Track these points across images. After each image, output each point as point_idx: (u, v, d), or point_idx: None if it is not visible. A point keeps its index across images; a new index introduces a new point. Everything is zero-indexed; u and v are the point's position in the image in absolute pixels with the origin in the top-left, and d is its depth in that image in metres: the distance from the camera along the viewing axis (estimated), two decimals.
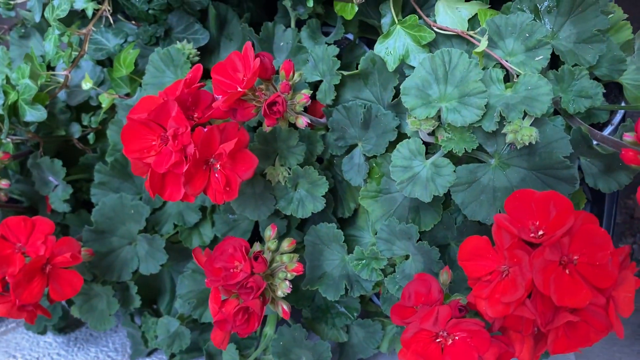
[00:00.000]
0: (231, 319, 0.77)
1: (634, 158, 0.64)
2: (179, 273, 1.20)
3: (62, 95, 1.16)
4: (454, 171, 0.82)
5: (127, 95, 1.08)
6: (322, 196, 0.96)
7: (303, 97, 0.78)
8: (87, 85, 0.98)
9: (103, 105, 1.04)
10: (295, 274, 0.84)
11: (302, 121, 0.79)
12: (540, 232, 0.67)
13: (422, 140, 0.84)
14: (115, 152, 1.14)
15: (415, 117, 0.82)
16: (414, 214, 0.97)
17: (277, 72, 0.82)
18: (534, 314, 0.66)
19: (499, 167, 0.83)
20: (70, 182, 1.16)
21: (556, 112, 0.89)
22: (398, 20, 0.90)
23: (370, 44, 1.07)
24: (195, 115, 0.80)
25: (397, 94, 0.94)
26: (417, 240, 0.89)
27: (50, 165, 1.12)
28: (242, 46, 1.12)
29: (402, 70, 0.93)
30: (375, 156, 0.97)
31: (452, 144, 0.83)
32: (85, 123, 1.15)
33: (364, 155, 0.96)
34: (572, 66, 0.84)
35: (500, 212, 0.81)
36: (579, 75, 0.83)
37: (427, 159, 0.85)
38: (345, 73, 0.97)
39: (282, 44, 1.09)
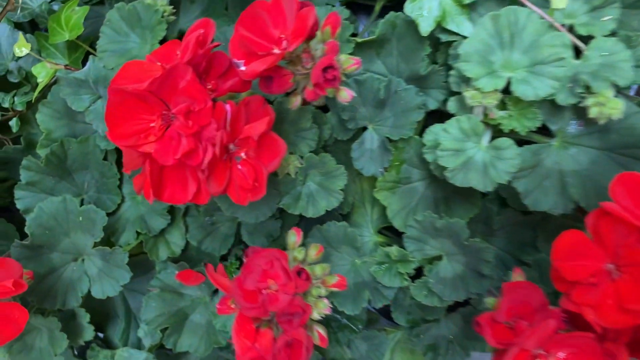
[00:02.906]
0: (270, 356, 0.58)
1: None
2: (135, 292, 0.97)
3: None
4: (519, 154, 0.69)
5: (67, 67, 0.83)
6: (340, 190, 0.79)
7: (353, 62, 0.60)
8: (22, 50, 0.72)
9: (39, 80, 0.78)
10: (337, 289, 0.66)
11: (347, 94, 0.62)
12: None
13: (478, 118, 0.70)
14: (50, 142, 0.88)
15: (476, 89, 0.67)
16: (444, 206, 0.83)
17: None
18: None
19: (561, 148, 0.71)
20: None
21: None
22: None
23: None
24: (208, 87, 0.59)
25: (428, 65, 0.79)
26: (467, 238, 0.75)
27: None
28: (208, 7, 0.92)
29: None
30: (392, 140, 0.82)
31: (513, 122, 0.70)
32: (5, 105, 0.88)
33: (387, 138, 0.81)
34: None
35: (573, 200, 0.70)
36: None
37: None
38: (359, 40, 0.81)
39: None
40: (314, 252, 0.70)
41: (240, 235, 0.93)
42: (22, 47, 0.71)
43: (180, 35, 0.83)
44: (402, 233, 0.88)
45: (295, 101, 0.64)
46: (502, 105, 0.72)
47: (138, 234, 0.88)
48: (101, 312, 0.99)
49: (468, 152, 0.71)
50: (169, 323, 0.89)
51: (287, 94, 0.80)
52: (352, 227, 0.92)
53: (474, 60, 0.67)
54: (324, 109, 0.85)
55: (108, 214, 0.88)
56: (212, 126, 0.56)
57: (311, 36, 0.58)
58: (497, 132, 0.74)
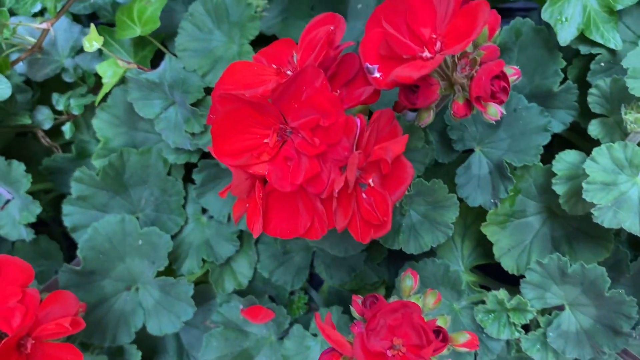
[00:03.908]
0: None
1: None
2: (188, 326, 0.84)
3: (18, 64, 0.77)
4: None
5: (140, 67, 0.71)
6: (451, 223, 0.67)
7: (513, 71, 0.48)
8: (93, 45, 0.61)
9: (105, 80, 0.67)
10: (467, 349, 0.54)
11: (497, 111, 0.50)
12: None
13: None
14: (108, 152, 0.77)
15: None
16: (566, 247, 0.71)
17: None
18: None
19: None
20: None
21: None
22: None
23: None
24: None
25: (563, 80, 0.68)
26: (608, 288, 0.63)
27: (5, 170, 0.72)
28: (290, 6, 0.81)
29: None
30: (510, 166, 0.70)
31: None
32: (59, 108, 0.77)
33: (507, 163, 0.69)
34: None
35: None
36: None
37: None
38: None
39: (359, 6, 0.78)
40: (431, 300, 0.58)
41: (313, 269, 0.82)
42: (94, 41, 0.60)
43: (260, 39, 0.72)
44: (498, 272, 0.77)
45: (427, 117, 0.52)
46: None
47: (204, 261, 0.77)
48: (147, 345, 0.86)
49: (621, 187, 0.59)
50: None
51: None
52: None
53: None
54: None
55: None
56: (343, 145, 0.44)
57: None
58: None
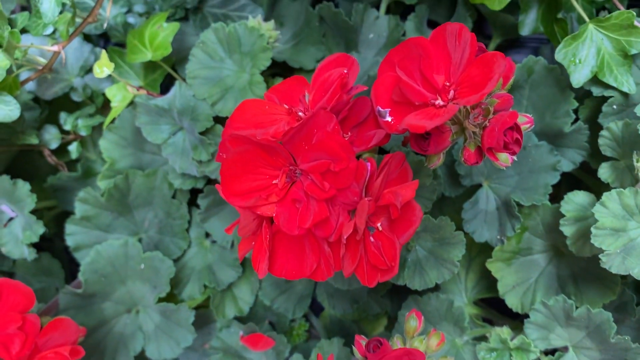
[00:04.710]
0: None
1: None
2: (187, 350, 0.84)
3: (28, 83, 0.76)
4: None
5: (149, 93, 0.71)
6: (457, 261, 0.67)
7: (526, 119, 0.48)
8: (103, 71, 0.60)
9: (114, 104, 0.67)
10: None
11: (508, 157, 0.49)
12: None
13: None
14: (114, 173, 0.76)
15: None
16: (572, 287, 0.70)
17: None
18: None
19: None
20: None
21: None
22: (589, 17, 0.63)
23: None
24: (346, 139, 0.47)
25: (575, 120, 0.67)
26: (614, 334, 0.62)
27: (10, 189, 0.71)
28: (301, 33, 0.81)
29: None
30: (518, 204, 0.69)
31: None
32: (67, 128, 0.76)
33: (515, 202, 0.68)
34: None
35: None
36: None
37: None
38: None
39: (371, 35, 0.78)
40: (435, 342, 0.58)
41: (316, 298, 0.81)
42: (104, 67, 0.60)
43: (270, 64, 0.72)
44: (502, 304, 0.76)
45: (437, 160, 0.52)
46: None
47: (205, 287, 0.76)
48: None
49: (630, 234, 0.58)
50: None
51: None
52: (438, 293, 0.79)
53: None
54: None
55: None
56: (353, 190, 0.44)
57: None
58: None
